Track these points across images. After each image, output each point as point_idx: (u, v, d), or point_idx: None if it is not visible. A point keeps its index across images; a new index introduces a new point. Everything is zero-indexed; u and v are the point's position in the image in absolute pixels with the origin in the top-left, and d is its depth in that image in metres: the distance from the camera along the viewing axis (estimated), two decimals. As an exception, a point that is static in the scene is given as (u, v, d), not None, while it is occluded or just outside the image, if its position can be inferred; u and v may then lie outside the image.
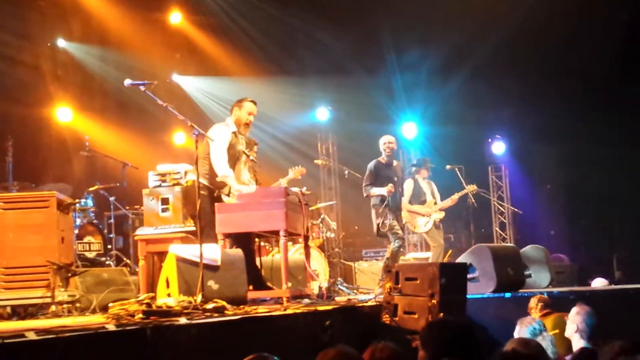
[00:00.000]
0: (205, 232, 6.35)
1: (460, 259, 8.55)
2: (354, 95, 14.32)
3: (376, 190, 9.53)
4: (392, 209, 9.50)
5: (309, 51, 14.47)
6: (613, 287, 9.86)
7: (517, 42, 13.07)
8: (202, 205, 6.33)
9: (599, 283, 9.72)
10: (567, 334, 5.95)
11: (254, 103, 7.58)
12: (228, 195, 7.33)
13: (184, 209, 7.43)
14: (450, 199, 10.84)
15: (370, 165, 9.75)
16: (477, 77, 13.55)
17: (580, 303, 6.08)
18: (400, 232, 9.49)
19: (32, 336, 3.71)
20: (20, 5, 11.57)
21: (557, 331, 5.76)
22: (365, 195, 9.77)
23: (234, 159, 7.37)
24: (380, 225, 9.45)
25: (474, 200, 11.36)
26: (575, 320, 5.87)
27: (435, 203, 10.73)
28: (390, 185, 9.42)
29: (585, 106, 13.35)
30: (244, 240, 7.23)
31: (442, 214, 10.73)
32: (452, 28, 13.15)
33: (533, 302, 6.90)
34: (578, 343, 5.85)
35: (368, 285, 11.05)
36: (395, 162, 9.96)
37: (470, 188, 10.98)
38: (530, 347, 4.34)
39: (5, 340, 3.55)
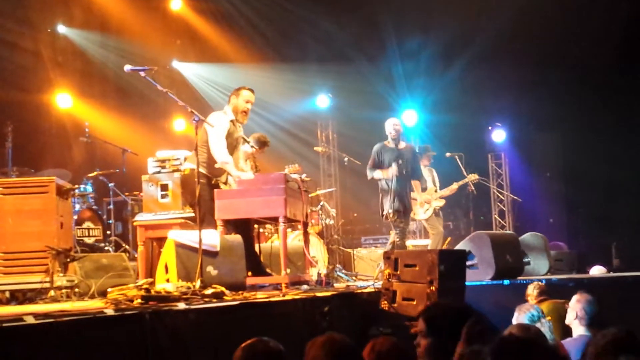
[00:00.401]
0: (204, 219, 6.36)
1: (459, 246, 8.57)
2: (355, 82, 14.31)
3: (377, 174, 9.45)
4: (398, 192, 9.31)
5: (310, 38, 14.44)
6: (611, 274, 9.89)
7: (517, 29, 13.04)
8: (201, 193, 6.33)
9: (597, 270, 9.74)
10: (567, 321, 5.99)
11: (252, 91, 7.58)
12: (225, 183, 7.34)
13: (183, 197, 7.43)
14: (450, 188, 10.84)
15: (374, 148, 9.63)
16: (478, 65, 13.52)
17: (582, 291, 6.11)
18: (402, 223, 9.35)
19: (31, 320, 3.72)
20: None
21: (549, 318, 5.78)
22: (369, 178, 9.65)
23: (232, 147, 7.37)
24: (383, 211, 9.38)
25: (473, 188, 11.38)
26: (575, 307, 5.91)
27: (436, 190, 10.73)
28: (394, 167, 9.28)
29: (585, 94, 13.35)
30: (243, 227, 7.25)
31: (442, 202, 10.74)
32: (452, 16, 13.12)
33: (530, 289, 6.93)
34: (577, 330, 5.89)
35: (367, 272, 11.06)
36: (403, 144, 9.69)
37: (471, 177, 10.97)
38: (530, 332, 4.35)
39: (4, 325, 3.56)
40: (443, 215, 11.74)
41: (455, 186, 10.83)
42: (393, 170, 9.24)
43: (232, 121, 7.41)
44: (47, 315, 3.95)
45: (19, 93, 11.29)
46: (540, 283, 7.05)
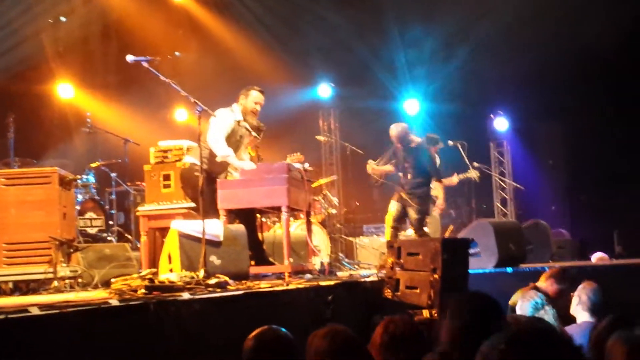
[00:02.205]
0: (206, 210, 6.35)
1: (462, 234, 8.57)
2: (356, 71, 14.28)
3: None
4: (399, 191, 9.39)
5: (312, 27, 14.38)
6: (614, 261, 9.89)
7: (521, 18, 12.98)
8: (202, 186, 6.31)
9: (599, 258, 9.75)
10: (572, 310, 5.99)
11: (261, 92, 7.57)
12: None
13: (183, 191, 7.43)
14: (450, 179, 10.73)
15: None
16: (480, 54, 13.48)
17: (588, 280, 6.10)
18: (393, 222, 9.33)
19: (35, 311, 3.73)
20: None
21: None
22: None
23: (235, 145, 7.34)
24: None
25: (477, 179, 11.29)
26: (580, 293, 5.90)
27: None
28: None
29: (588, 81, 13.30)
30: (246, 216, 7.25)
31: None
32: (455, 4, 13.07)
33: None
34: (581, 316, 5.89)
35: (369, 260, 11.08)
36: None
37: (473, 174, 10.80)
38: (541, 323, 4.36)
39: (9, 316, 3.56)
40: (445, 203, 11.73)
41: (455, 179, 10.72)
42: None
43: (237, 121, 7.39)
44: (52, 306, 3.95)
45: (20, 83, 11.30)
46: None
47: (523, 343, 2.32)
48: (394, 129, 9.35)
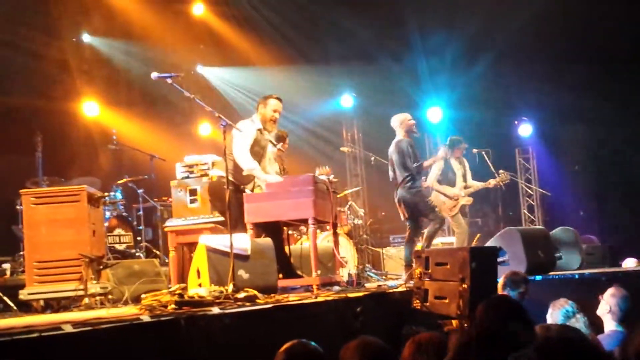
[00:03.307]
0: (234, 221, 6.38)
1: (490, 243, 8.52)
2: (379, 80, 14.28)
3: None
4: None
5: (333, 38, 14.43)
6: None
7: (543, 22, 12.93)
8: (230, 199, 6.35)
9: (630, 263, 9.63)
10: (599, 312, 5.94)
11: (279, 100, 7.59)
12: (252, 191, 7.36)
13: (211, 204, 7.47)
14: (484, 184, 10.62)
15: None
16: (503, 59, 13.44)
17: (617, 285, 6.05)
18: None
19: (69, 329, 3.76)
20: (45, 1, 11.63)
21: None
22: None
23: (259, 155, 7.39)
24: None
25: (502, 186, 11.22)
26: (609, 301, 5.86)
27: (466, 187, 10.52)
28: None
29: (612, 86, 13.20)
30: (273, 229, 7.26)
31: (470, 200, 10.59)
32: (476, 10, 13.03)
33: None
34: (609, 324, 5.85)
35: (396, 270, 11.03)
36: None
37: (502, 177, 10.67)
38: (571, 331, 4.31)
39: (43, 334, 3.60)
40: (471, 211, 11.65)
41: (479, 185, 10.61)
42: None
43: (259, 130, 7.44)
44: (85, 324, 3.99)
45: (46, 102, 11.42)
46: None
47: (553, 352, 2.31)
48: None
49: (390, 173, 9.09)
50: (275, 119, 7.54)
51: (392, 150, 9.08)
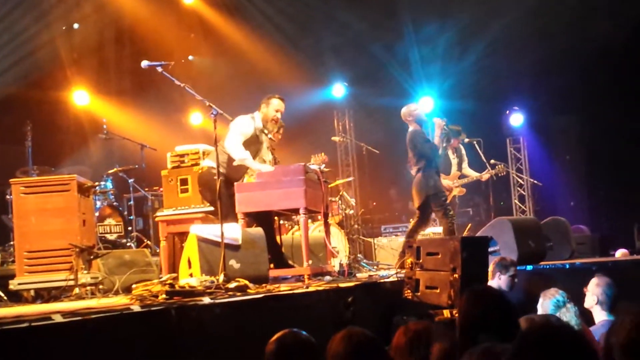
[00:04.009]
0: (224, 214, 6.36)
1: (481, 233, 8.53)
2: (370, 70, 14.26)
3: None
4: None
5: (324, 27, 14.39)
6: (635, 257, 9.82)
7: (536, 12, 12.92)
8: (220, 189, 6.32)
9: (622, 254, 9.68)
10: (586, 305, 5.95)
11: (282, 100, 7.56)
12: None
13: (201, 194, 7.44)
14: (481, 175, 10.56)
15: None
16: (495, 49, 13.43)
17: (599, 274, 6.07)
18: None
19: (58, 319, 3.75)
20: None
21: None
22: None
23: (254, 153, 7.34)
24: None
25: (495, 178, 11.20)
26: (595, 291, 5.86)
27: (461, 176, 10.48)
28: None
29: (603, 75, 13.22)
30: (263, 219, 7.25)
31: (463, 191, 10.53)
32: (469, 0, 13.03)
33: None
34: (599, 315, 5.86)
35: (388, 261, 11.04)
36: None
37: (500, 169, 10.63)
38: (552, 322, 4.33)
39: (33, 324, 3.59)
40: (463, 201, 11.67)
41: (475, 175, 10.55)
42: None
43: (258, 129, 7.39)
44: (75, 314, 3.97)
45: (36, 91, 11.36)
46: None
47: (533, 343, 2.30)
48: None
49: (409, 165, 9.09)
50: (277, 119, 7.51)
51: (407, 139, 9.07)
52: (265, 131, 7.44)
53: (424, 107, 13.97)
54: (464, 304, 3.69)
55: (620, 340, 2.72)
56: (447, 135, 9.64)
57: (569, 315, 5.28)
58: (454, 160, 10.47)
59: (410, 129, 9.04)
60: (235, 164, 7.16)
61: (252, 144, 7.33)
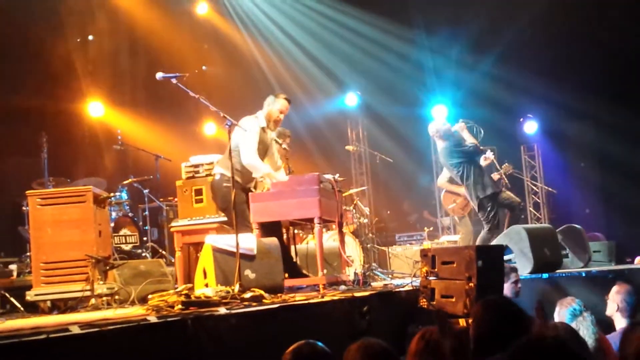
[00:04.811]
0: (238, 222, 6.36)
1: (496, 241, 8.49)
2: (383, 79, 14.28)
3: None
4: None
5: (337, 36, 14.42)
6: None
7: (548, 19, 12.91)
8: (230, 198, 6.32)
9: (640, 261, 9.63)
10: (608, 312, 5.94)
11: (289, 101, 7.45)
12: (255, 188, 7.32)
13: (214, 202, 7.45)
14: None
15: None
16: (508, 57, 13.42)
17: (620, 281, 6.05)
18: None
19: (76, 330, 3.76)
20: (49, 1, 11.64)
21: None
22: None
23: (262, 153, 7.31)
24: None
25: (507, 181, 11.20)
26: (615, 299, 5.86)
27: None
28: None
29: (618, 82, 13.17)
30: (275, 229, 7.23)
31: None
32: (482, 8, 13.03)
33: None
34: (620, 322, 5.84)
35: (402, 269, 11.03)
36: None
37: (505, 168, 10.69)
38: (556, 332, 4.32)
39: (51, 335, 3.60)
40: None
41: (496, 177, 10.53)
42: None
43: (262, 128, 7.32)
44: (92, 325, 3.99)
45: (51, 103, 11.42)
46: None
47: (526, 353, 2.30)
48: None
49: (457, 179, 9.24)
50: (279, 120, 7.42)
51: (444, 159, 9.20)
52: (269, 132, 7.37)
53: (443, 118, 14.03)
54: (478, 313, 3.69)
55: (632, 350, 2.72)
56: (476, 128, 9.64)
57: (585, 324, 5.25)
58: None
59: (441, 146, 9.11)
60: (256, 176, 7.13)
61: (260, 144, 7.22)
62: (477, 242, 8.57)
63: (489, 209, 9.01)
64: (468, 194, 9.10)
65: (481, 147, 9.28)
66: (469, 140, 9.08)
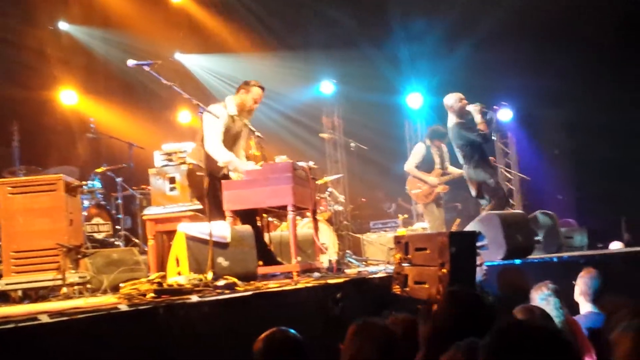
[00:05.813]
0: (212, 211, 6.33)
1: (469, 227, 8.53)
2: (359, 67, 14.24)
3: None
4: None
5: (313, 25, 14.38)
6: (624, 249, 9.87)
7: (523, 7, 12.95)
8: (207, 188, 6.29)
9: (616, 246, 9.77)
10: (575, 297, 6.05)
11: (262, 89, 7.34)
12: (226, 177, 7.24)
13: (190, 190, 7.42)
14: (459, 172, 10.56)
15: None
16: (483, 45, 13.44)
17: (586, 267, 6.16)
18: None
19: (45, 319, 3.74)
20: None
21: None
22: None
23: (230, 142, 7.23)
24: None
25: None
26: (580, 283, 5.99)
27: (443, 174, 10.48)
28: None
29: (592, 71, 13.26)
30: (249, 217, 7.21)
31: (446, 188, 10.51)
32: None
33: None
34: (584, 306, 5.98)
35: (377, 256, 11.04)
36: None
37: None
38: (532, 315, 4.37)
39: (19, 324, 3.58)
40: (451, 196, 11.68)
41: (457, 172, 10.51)
42: None
43: (231, 116, 7.20)
44: (62, 314, 3.96)
45: (23, 91, 11.30)
46: None
47: (508, 338, 2.31)
48: None
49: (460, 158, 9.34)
50: (253, 110, 7.33)
51: (452, 136, 9.19)
52: (245, 120, 7.28)
53: (411, 104, 14.03)
54: (442, 304, 3.71)
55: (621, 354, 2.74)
56: (490, 115, 9.62)
57: (549, 307, 5.34)
58: (437, 159, 10.48)
59: (453, 122, 9.15)
60: (220, 165, 7.07)
61: (226, 133, 7.12)
62: (490, 214, 8.53)
63: (491, 192, 9.14)
64: (468, 176, 9.21)
65: (492, 135, 9.37)
66: (480, 124, 9.17)
